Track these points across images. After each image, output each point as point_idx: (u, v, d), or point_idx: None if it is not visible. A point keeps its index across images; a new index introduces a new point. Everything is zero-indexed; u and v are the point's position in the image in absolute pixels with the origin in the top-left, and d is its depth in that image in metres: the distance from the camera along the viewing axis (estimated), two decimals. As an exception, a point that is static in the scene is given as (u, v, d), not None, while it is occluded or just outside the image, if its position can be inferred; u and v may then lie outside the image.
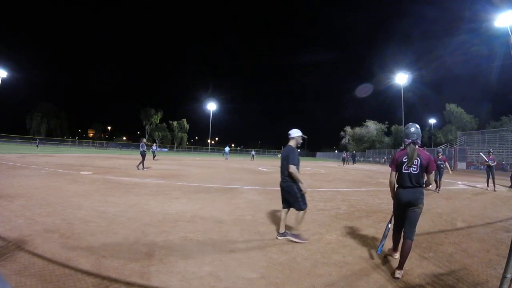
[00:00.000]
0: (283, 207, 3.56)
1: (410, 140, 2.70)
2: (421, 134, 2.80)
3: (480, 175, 17.37)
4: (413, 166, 2.62)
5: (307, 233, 3.78)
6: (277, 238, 3.48)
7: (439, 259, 2.99)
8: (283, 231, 3.49)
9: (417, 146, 2.69)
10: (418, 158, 2.63)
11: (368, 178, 12.97)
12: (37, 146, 35.45)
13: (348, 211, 5.27)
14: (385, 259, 2.95)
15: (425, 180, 2.72)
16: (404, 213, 2.66)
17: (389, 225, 2.93)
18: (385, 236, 2.91)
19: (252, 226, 4.02)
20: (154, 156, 21.42)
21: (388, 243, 3.03)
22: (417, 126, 2.81)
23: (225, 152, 33.72)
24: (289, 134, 3.59)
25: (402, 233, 2.71)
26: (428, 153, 2.75)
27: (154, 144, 23.26)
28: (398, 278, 2.48)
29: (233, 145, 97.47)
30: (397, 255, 2.87)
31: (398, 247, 2.82)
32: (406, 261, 2.58)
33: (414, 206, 2.60)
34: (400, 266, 2.54)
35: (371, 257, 3.01)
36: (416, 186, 2.62)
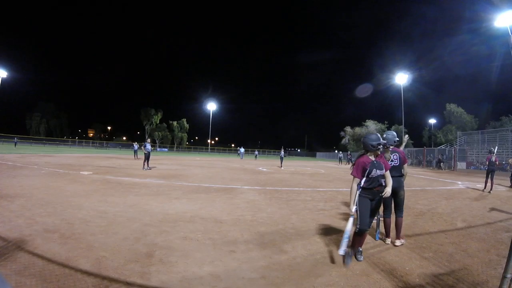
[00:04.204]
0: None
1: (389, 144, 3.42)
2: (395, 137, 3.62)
3: (480, 175, 17.39)
4: (394, 160, 3.43)
5: (308, 233, 3.78)
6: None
7: (439, 259, 2.99)
8: None
9: (391, 147, 3.46)
10: (397, 154, 3.47)
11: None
12: (15, 144, 35.99)
13: (348, 211, 5.27)
14: (384, 259, 2.96)
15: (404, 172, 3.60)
16: (392, 198, 3.39)
17: (378, 216, 3.57)
18: (378, 225, 3.64)
19: (252, 226, 4.02)
20: (135, 155, 21.52)
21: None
22: (394, 133, 3.59)
23: (240, 152, 35.22)
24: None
25: (394, 214, 3.45)
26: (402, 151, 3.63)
27: (135, 143, 23.10)
28: (398, 245, 3.32)
29: (233, 145, 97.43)
30: (389, 240, 3.46)
31: (390, 233, 3.48)
32: (406, 261, 2.90)
33: (399, 192, 3.39)
34: (398, 236, 3.39)
35: (373, 240, 3.58)
36: (397, 176, 3.40)
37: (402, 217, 3.43)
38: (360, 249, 2.90)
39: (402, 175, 3.51)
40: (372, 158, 2.79)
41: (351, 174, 2.80)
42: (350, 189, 2.82)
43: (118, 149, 55.66)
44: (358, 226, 2.73)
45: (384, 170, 2.79)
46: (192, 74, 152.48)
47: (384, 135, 3.47)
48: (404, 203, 3.50)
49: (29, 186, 6.26)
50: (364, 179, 2.74)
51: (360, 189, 2.76)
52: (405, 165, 3.57)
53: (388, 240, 3.47)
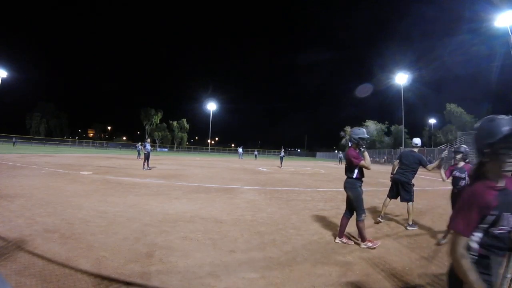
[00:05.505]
0: (389, 196, 4.64)
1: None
2: (352, 138, 3.39)
3: (480, 175, 17.34)
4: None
5: (307, 233, 3.78)
6: (379, 220, 4.49)
7: (439, 259, 3.00)
8: (383, 215, 4.61)
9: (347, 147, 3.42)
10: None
11: (368, 178, 12.94)
12: (13, 144, 36.52)
13: (348, 211, 5.27)
14: (384, 259, 2.95)
15: (356, 172, 3.33)
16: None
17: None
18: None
19: (252, 226, 4.02)
20: (138, 155, 21.47)
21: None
22: (353, 131, 3.39)
23: (239, 152, 35.39)
24: (416, 144, 4.60)
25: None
26: (351, 151, 3.34)
27: (140, 143, 23.18)
28: (363, 247, 3.22)
29: (233, 145, 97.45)
30: (338, 240, 3.43)
31: (343, 233, 3.44)
32: (406, 261, 2.85)
33: (346, 193, 3.40)
34: (362, 240, 3.31)
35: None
36: (347, 177, 3.39)
37: (359, 220, 3.23)
38: None
39: (349, 177, 3.36)
40: (502, 183, 1.15)
41: (451, 226, 1.23)
42: (453, 264, 1.18)
43: (118, 149, 55.67)
44: None
45: None
46: (192, 74, 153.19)
47: (359, 130, 3.31)
48: (359, 206, 3.29)
49: (29, 186, 6.26)
50: (478, 235, 1.17)
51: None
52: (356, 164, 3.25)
53: (338, 240, 3.41)
